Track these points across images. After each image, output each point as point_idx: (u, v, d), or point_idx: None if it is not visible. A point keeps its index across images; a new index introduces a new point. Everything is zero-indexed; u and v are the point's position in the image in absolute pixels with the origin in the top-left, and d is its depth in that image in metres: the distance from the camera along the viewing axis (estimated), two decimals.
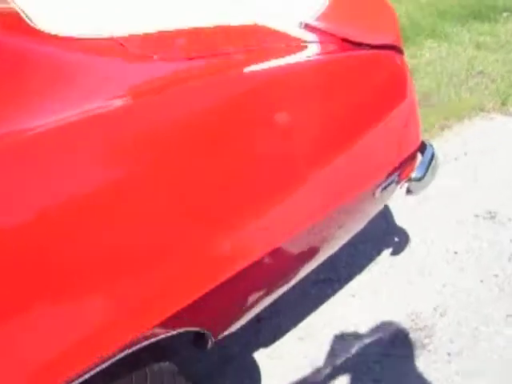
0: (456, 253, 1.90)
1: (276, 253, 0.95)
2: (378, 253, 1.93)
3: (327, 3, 1.20)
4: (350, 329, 1.63)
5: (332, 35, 1.13)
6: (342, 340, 1.61)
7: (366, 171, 1.12)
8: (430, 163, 1.30)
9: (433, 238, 1.97)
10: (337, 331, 1.63)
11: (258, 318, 1.64)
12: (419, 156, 1.34)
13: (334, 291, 1.78)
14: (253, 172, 0.91)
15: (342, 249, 1.40)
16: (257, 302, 1.05)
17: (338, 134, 1.05)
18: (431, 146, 1.35)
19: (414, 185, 1.31)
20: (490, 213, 2.11)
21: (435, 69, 3.30)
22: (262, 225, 0.93)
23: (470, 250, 1.91)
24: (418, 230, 2.01)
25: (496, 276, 1.80)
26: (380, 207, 1.31)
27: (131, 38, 0.87)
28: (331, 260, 1.87)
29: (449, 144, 2.59)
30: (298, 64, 1.02)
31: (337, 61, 1.09)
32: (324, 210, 1.00)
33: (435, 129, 2.69)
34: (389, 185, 1.17)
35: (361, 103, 1.10)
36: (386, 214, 2.09)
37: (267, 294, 1.06)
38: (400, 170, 1.21)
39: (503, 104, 2.89)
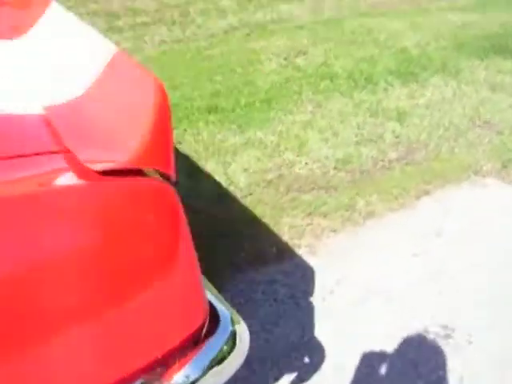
0: None
1: None
2: (276, 379, 1.44)
3: (78, 95, 0.77)
4: None
5: (57, 150, 0.69)
6: None
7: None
8: (218, 354, 0.79)
9: (355, 364, 1.46)
10: None
11: None
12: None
13: None
14: None
15: None
16: None
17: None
18: (230, 319, 0.83)
19: None
20: (447, 328, 1.58)
21: (432, 114, 2.76)
22: None
23: None
24: (339, 349, 1.50)
25: None
26: None
27: None
28: None
29: (421, 217, 2.05)
30: None
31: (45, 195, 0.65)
32: None
33: (409, 196, 2.16)
34: None
35: (77, 265, 0.65)
36: (303, 318, 1.60)
37: None
38: (157, 368, 0.73)
39: (504, 166, 2.32)
